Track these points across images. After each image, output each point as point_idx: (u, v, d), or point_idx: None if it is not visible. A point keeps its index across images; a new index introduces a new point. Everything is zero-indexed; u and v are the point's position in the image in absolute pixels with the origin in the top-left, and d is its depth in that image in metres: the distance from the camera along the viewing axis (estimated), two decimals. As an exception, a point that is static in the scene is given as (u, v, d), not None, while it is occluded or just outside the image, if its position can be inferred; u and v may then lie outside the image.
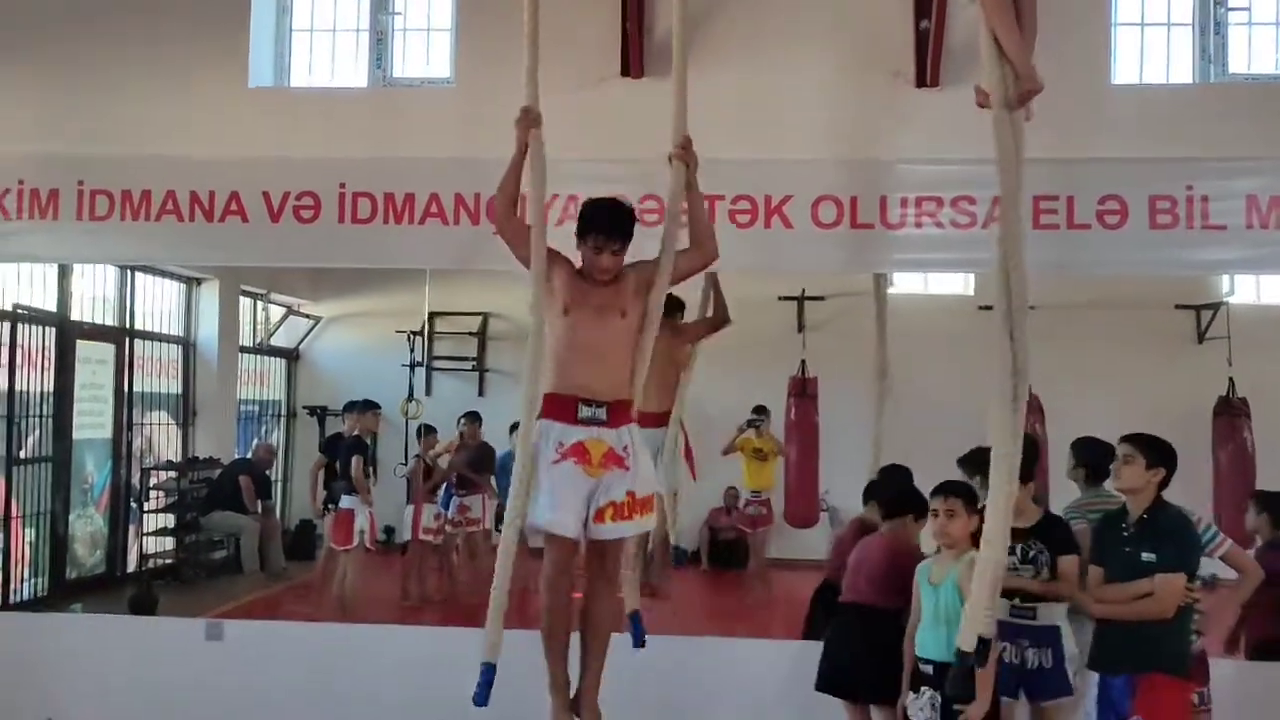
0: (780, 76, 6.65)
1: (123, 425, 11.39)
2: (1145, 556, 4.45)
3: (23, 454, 9.90)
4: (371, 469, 10.09)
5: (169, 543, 11.99)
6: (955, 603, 4.47)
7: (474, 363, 14.46)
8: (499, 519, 10.39)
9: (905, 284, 12.27)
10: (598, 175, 5.91)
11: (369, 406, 10.07)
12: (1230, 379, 10.86)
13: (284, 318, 14.61)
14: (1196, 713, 4.93)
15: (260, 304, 14.26)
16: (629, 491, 4.20)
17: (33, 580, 10.11)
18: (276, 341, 14.67)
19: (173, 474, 12.09)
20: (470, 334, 14.44)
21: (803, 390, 11.34)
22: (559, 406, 4.20)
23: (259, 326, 14.35)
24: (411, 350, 13.16)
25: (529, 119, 4.36)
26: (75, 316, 10.72)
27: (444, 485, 10.71)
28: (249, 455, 12.84)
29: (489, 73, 5.39)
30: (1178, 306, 12.88)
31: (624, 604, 5.15)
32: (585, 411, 4.17)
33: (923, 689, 4.58)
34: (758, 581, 11.40)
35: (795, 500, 11.19)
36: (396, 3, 8.69)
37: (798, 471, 11.13)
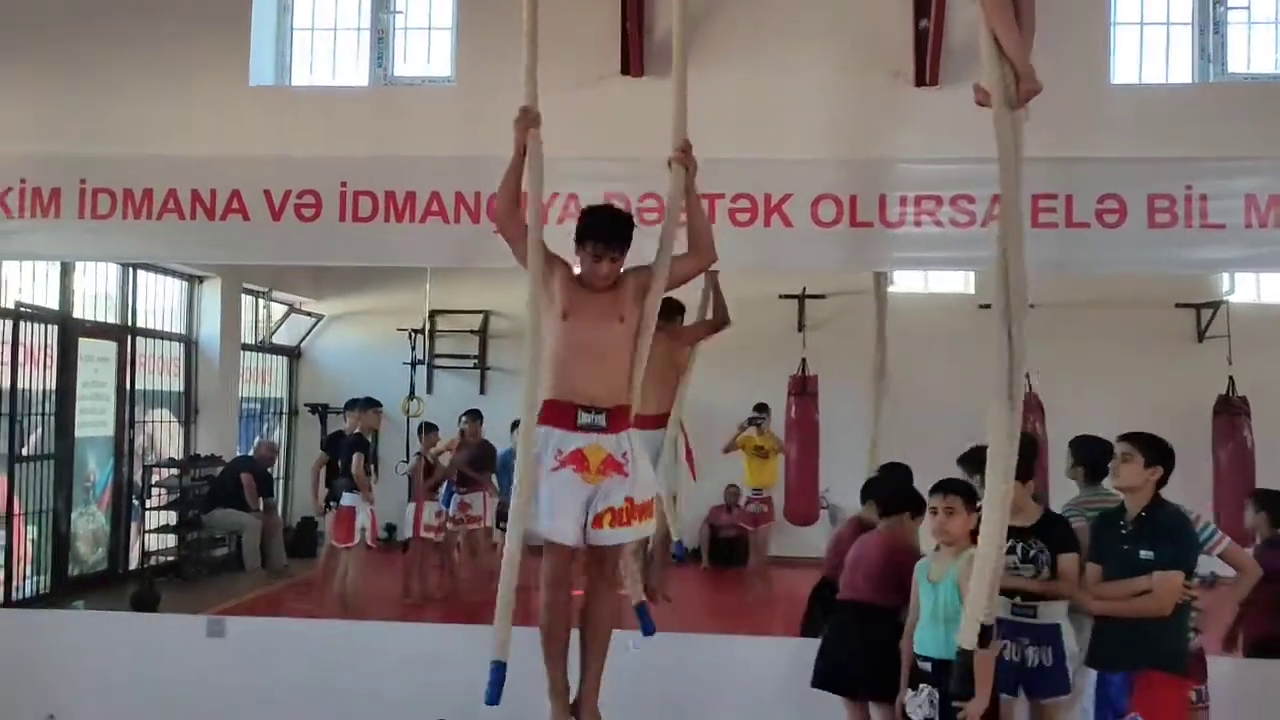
0: (780, 76, 6.66)
1: (125, 423, 11.42)
2: (1143, 554, 4.46)
3: (25, 451, 9.92)
4: (373, 467, 10.11)
5: (171, 540, 12.01)
6: (954, 600, 4.48)
7: (475, 360, 14.48)
8: (500, 516, 10.44)
9: (906, 282, 12.29)
10: (597, 174, 5.94)
11: (370, 404, 10.10)
12: (1230, 378, 10.85)
13: (286, 316, 14.64)
14: (1194, 710, 4.94)
15: (262, 302, 14.28)
16: (628, 498, 4.22)
17: (35, 577, 10.14)
18: (278, 339, 14.69)
19: (175, 471, 12.11)
20: (471, 332, 14.46)
21: (803, 388, 11.36)
22: (558, 413, 4.21)
23: (261, 324, 14.37)
24: (413, 348, 13.17)
25: (527, 118, 4.38)
26: (77, 314, 10.74)
27: (445, 483, 10.73)
28: (251, 453, 12.87)
29: (489, 71, 5.41)
30: (1178, 305, 12.89)
31: (629, 598, 5.17)
32: (584, 418, 4.19)
33: (921, 686, 4.59)
34: (758, 579, 11.42)
35: (795, 498, 11.21)
36: (397, 1, 8.70)
37: (798, 469, 11.15)
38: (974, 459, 4.95)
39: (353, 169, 6.17)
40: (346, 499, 9.56)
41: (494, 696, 4.08)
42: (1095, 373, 12.05)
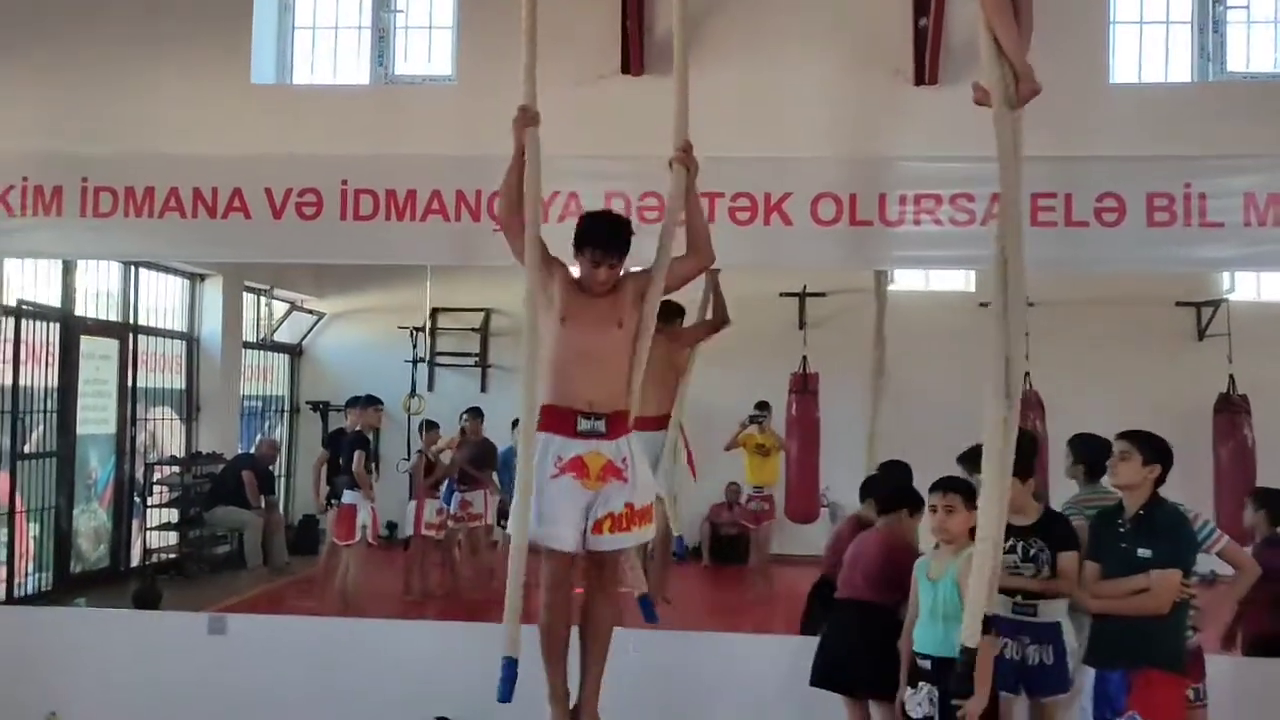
0: (780, 74, 6.66)
1: (126, 420, 11.45)
2: (1141, 553, 4.46)
3: (27, 449, 9.95)
4: (374, 464, 10.13)
5: (172, 537, 12.03)
6: (954, 598, 4.49)
7: (476, 358, 14.49)
8: (501, 514, 10.46)
9: (907, 280, 12.28)
10: (598, 172, 5.95)
11: (371, 402, 10.12)
12: (1231, 376, 10.86)
13: (287, 314, 14.66)
14: (1192, 708, 4.94)
15: (263, 300, 14.30)
16: (627, 503, 4.22)
17: (37, 574, 10.16)
18: (280, 337, 14.71)
19: (176, 469, 12.14)
20: (473, 330, 14.46)
21: (804, 386, 11.37)
22: (557, 419, 4.20)
23: (262, 322, 14.39)
24: (414, 346, 13.16)
25: (525, 118, 4.37)
26: (79, 312, 10.75)
27: (446, 481, 10.74)
28: (252, 450, 12.88)
29: (490, 70, 5.42)
30: (1178, 304, 12.90)
31: (630, 596, 5.18)
32: (584, 424, 4.19)
33: (920, 684, 4.60)
34: (759, 577, 11.42)
35: (796, 496, 11.23)
36: (398, 0, 8.71)
37: (799, 467, 11.16)
38: (974, 457, 4.94)
39: (354, 167, 6.19)
40: (348, 497, 9.57)
41: (506, 693, 4.05)
42: (1096, 371, 12.06)
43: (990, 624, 4.21)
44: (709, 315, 6.91)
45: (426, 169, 6.17)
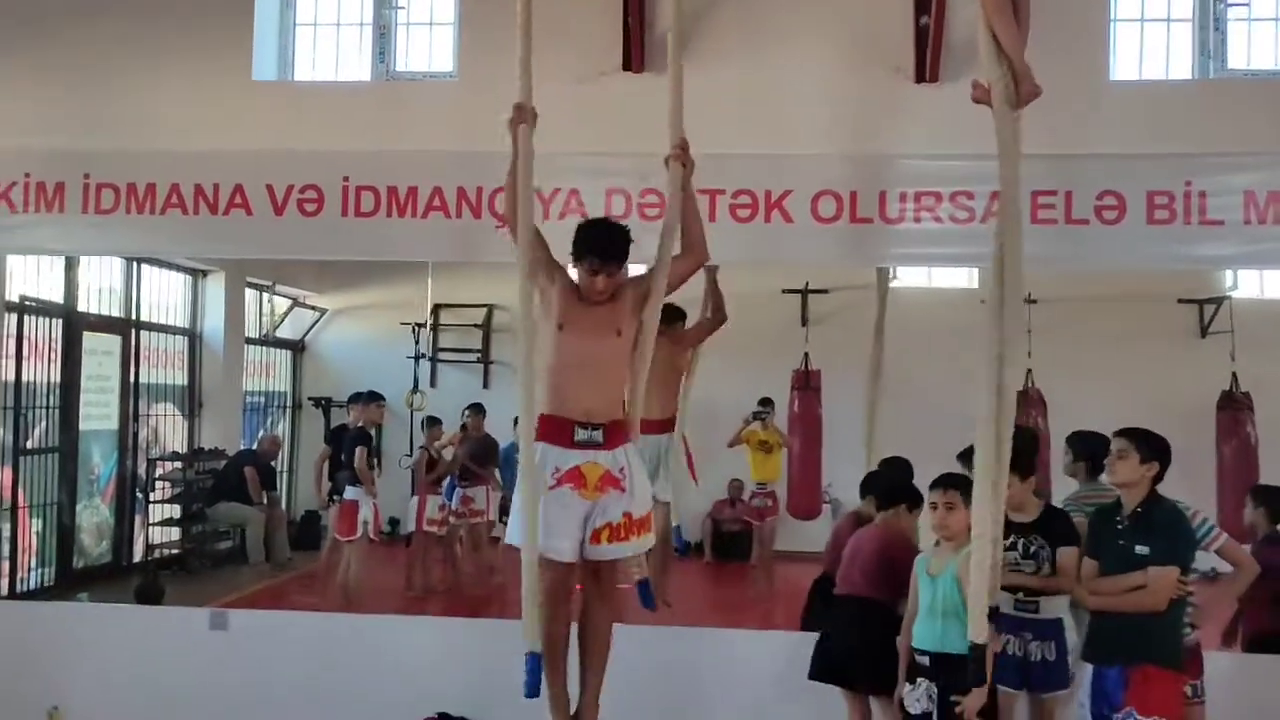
0: (780, 72, 6.65)
1: (129, 416, 11.46)
2: (1139, 550, 4.47)
3: (29, 445, 9.97)
4: (376, 460, 10.15)
5: (175, 533, 12.07)
6: (954, 595, 4.51)
7: (479, 355, 14.51)
8: (503, 510, 10.47)
9: (909, 277, 12.28)
10: (598, 169, 5.96)
11: (374, 398, 10.14)
12: (1233, 373, 10.85)
13: (289, 310, 14.69)
14: (1189, 705, 4.95)
15: (266, 296, 14.33)
16: (626, 513, 4.22)
17: (39, 570, 10.19)
18: (282, 333, 14.74)
19: (178, 465, 12.17)
20: (475, 326, 14.48)
21: (806, 383, 11.38)
22: (555, 429, 4.19)
23: (264, 318, 14.43)
24: (416, 342, 13.24)
25: (520, 115, 4.33)
26: (81, 308, 10.77)
27: (448, 477, 10.76)
28: (254, 446, 12.91)
29: (491, 67, 5.40)
30: (1180, 301, 12.90)
31: (629, 592, 5.18)
32: (581, 435, 4.17)
33: (919, 680, 4.61)
34: (761, 573, 11.44)
35: (798, 493, 11.24)
36: (399, -3, 8.71)
37: (801, 464, 11.17)
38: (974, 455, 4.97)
39: (355, 164, 6.20)
40: (349, 493, 9.58)
41: (534, 688, 4.04)
42: (1098, 368, 12.05)
43: (991, 616, 4.23)
44: (708, 314, 6.91)
45: (428, 165, 6.18)
